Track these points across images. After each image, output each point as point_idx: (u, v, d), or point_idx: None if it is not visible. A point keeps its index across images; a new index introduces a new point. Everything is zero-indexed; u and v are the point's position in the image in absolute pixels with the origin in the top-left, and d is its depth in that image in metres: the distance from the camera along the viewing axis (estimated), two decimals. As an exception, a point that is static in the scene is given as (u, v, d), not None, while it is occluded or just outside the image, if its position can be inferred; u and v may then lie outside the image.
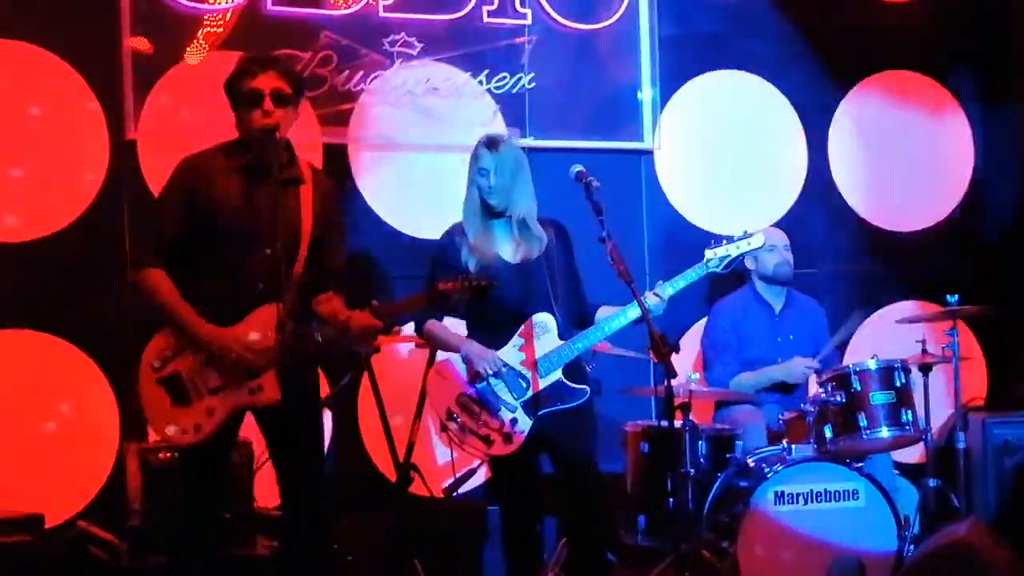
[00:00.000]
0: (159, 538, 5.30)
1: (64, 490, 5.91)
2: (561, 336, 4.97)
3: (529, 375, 4.92)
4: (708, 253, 5.07)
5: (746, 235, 5.09)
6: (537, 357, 4.93)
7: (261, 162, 4.44)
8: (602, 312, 5.06)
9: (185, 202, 4.46)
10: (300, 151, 4.70)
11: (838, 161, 7.48)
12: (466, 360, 4.95)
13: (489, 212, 5.00)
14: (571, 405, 4.95)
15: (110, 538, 5.56)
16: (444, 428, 4.95)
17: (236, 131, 4.55)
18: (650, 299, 4.91)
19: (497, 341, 4.96)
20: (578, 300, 5.12)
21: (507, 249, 5.04)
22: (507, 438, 4.89)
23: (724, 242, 5.09)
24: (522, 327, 4.96)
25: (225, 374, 4.40)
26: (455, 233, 5.06)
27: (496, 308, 4.89)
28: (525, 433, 4.90)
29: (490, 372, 4.90)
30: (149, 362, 4.44)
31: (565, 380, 4.94)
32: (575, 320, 5.05)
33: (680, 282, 5.02)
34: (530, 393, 4.92)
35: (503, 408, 4.91)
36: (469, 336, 5.02)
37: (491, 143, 5.02)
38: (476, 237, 4.99)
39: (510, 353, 4.94)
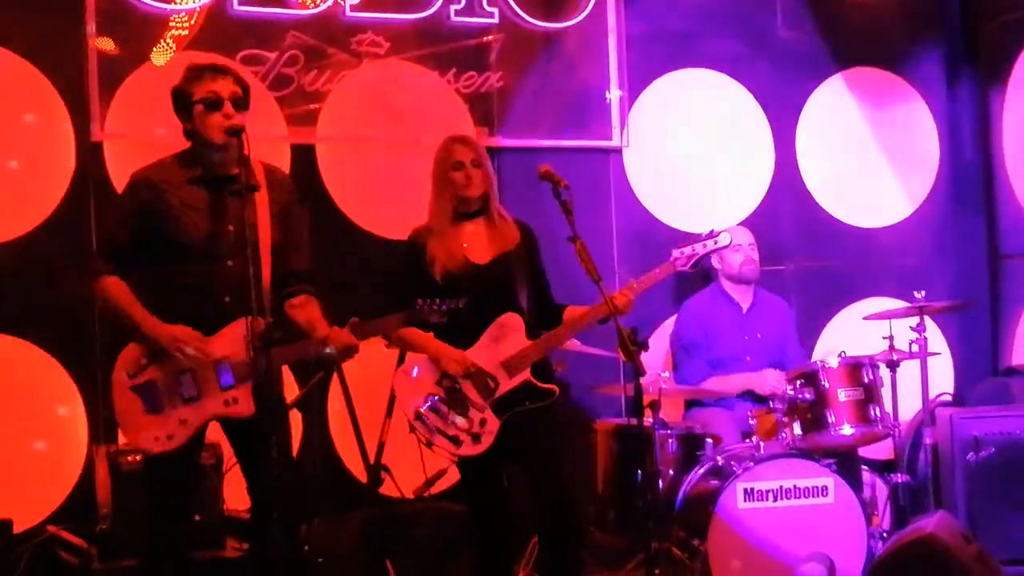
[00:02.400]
0: (129, 542, 5.28)
1: (33, 495, 5.86)
2: (529, 336, 4.97)
3: (497, 375, 4.92)
4: (675, 252, 5.08)
5: (712, 234, 5.10)
6: (505, 357, 4.93)
7: (218, 170, 4.43)
8: (569, 312, 5.04)
9: (138, 216, 4.43)
10: (268, 151, 4.67)
11: (806, 158, 7.49)
12: (435, 361, 4.95)
13: (461, 211, 5.00)
14: (539, 405, 4.94)
15: (80, 543, 5.52)
16: (412, 429, 4.94)
17: (187, 140, 4.50)
18: (619, 299, 4.90)
19: (465, 341, 4.94)
20: (545, 302, 5.12)
21: (477, 249, 5.02)
22: (476, 438, 4.87)
23: (690, 241, 5.10)
24: (490, 327, 4.95)
25: (200, 384, 4.39)
26: (419, 238, 5.04)
27: (464, 308, 4.87)
28: (494, 433, 4.89)
29: (459, 373, 4.90)
30: (123, 370, 4.42)
31: (533, 380, 4.93)
32: (542, 321, 5.04)
33: (647, 282, 5.02)
34: (498, 393, 4.92)
35: (472, 408, 4.90)
36: (437, 336, 5.02)
37: (462, 139, 5.04)
38: (446, 239, 4.98)
39: (478, 353, 4.93)
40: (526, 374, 4.92)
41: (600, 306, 4.83)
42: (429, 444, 4.91)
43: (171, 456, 4.40)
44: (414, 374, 4.98)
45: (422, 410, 4.92)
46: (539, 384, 4.93)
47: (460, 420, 4.89)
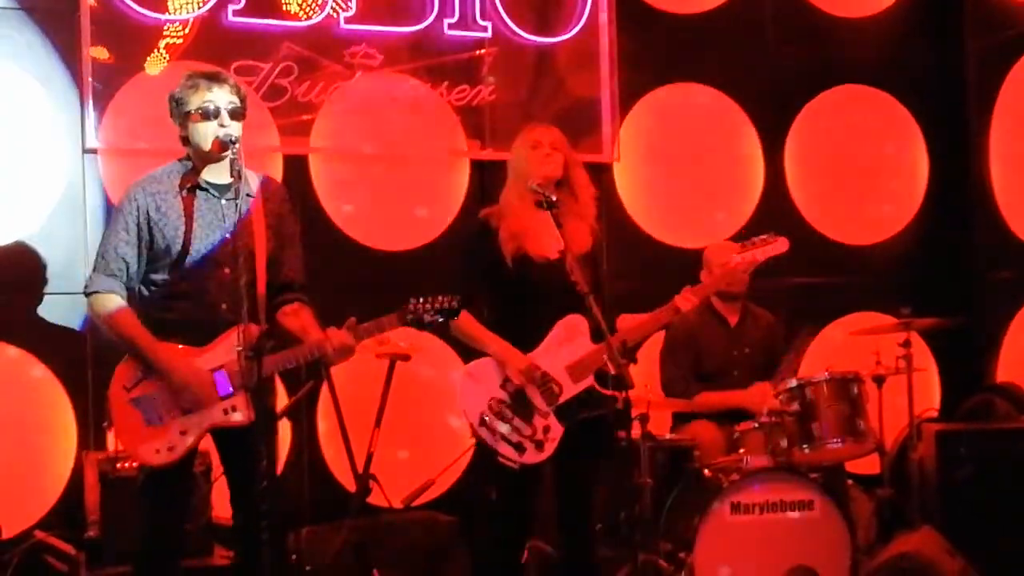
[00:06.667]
0: (117, 549, 5.28)
1: (21, 500, 5.85)
2: (594, 340, 4.83)
3: (561, 381, 4.79)
4: (735, 258, 5.05)
5: (771, 239, 5.10)
6: (571, 361, 4.82)
7: (213, 178, 4.44)
8: (624, 320, 4.93)
9: (137, 226, 4.41)
10: (261, 161, 4.67)
11: (794, 174, 7.54)
12: (500, 364, 4.81)
13: (538, 202, 4.79)
14: (602, 412, 4.80)
15: (68, 549, 5.50)
16: (475, 434, 4.80)
17: (182, 146, 4.50)
18: (684, 303, 4.91)
19: (530, 340, 4.81)
20: (605, 306, 4.88)
21: (548, 243, 4.85)
22: (539, 445, 4.73)
23: (748, 247, 5.07)
24: (555, 328, 4.83)
25: (198, 394, 4.35)
26: (488, 222, 4.92)
27: (531, 306, 4.78)
28: (556, 441, 4.75)
29: (523, 383, 4.75)
30: (120, 383, 4.38)
31: (596, 386, 4.81)
32: (607, 324, 4.78)
33: (708, 289, 5.06)
34: (562, 399, 4.79)
35: (536, 415, 4.76)
36: (501, 331, 4.87)
37: (546, 127, 4.99)
38: (518, 222, 4.86)
39: (543, 356, 4.79)
40: (590, 380, 4.82)
41: (664, 312, 4.85)
42: (494, 449, 4.75)
43: (171, 467, 4.37)
44: (478, 376, 4.83)
45: (487, 416, 4.78)
46: (602, 391, 4.80)
47: (524, 426, 4.75)
